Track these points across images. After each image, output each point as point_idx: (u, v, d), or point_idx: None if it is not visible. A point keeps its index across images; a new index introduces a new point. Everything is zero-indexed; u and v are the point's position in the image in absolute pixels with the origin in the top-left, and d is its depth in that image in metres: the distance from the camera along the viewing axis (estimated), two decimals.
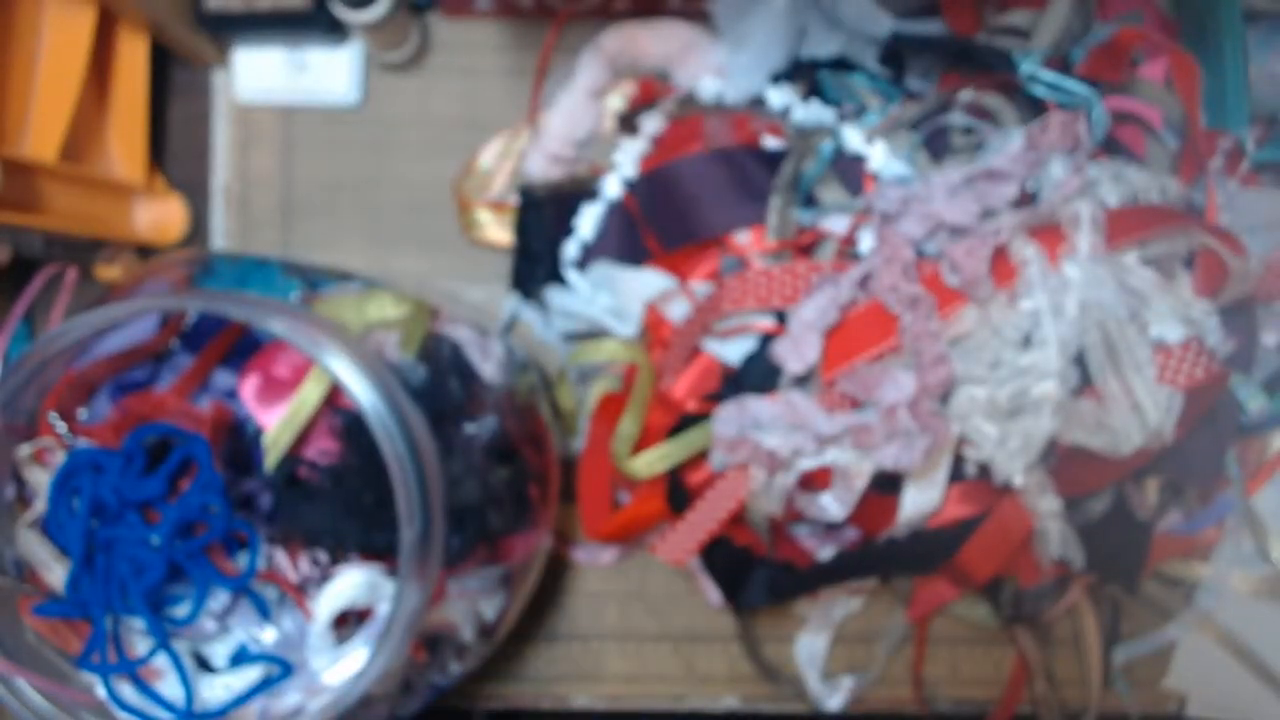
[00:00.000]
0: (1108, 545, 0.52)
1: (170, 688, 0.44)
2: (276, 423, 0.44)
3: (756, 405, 0.48)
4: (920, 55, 0.56)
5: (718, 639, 0.63)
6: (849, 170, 0.54)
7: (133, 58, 0.61)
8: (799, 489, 0.49)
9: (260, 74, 0.63)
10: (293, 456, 0.45)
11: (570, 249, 0.58)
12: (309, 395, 0.44)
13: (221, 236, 0.65)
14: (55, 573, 0.44)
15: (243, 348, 0.47)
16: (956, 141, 0.53)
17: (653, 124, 0.58)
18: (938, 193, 0.48)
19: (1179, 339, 0.46)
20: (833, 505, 0.49)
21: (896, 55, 0.56)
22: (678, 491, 0.53)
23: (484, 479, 0.47)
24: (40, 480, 0.45)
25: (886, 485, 0.49)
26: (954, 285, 0.47)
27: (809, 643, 0.62)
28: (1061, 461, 0.48)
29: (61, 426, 0.46)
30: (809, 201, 0.54)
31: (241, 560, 0.45)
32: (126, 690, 0.44)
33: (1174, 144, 0.54)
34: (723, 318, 0.51)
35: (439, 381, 0.47)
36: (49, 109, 0.57)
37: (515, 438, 0.51)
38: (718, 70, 0.57)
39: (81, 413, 0.47)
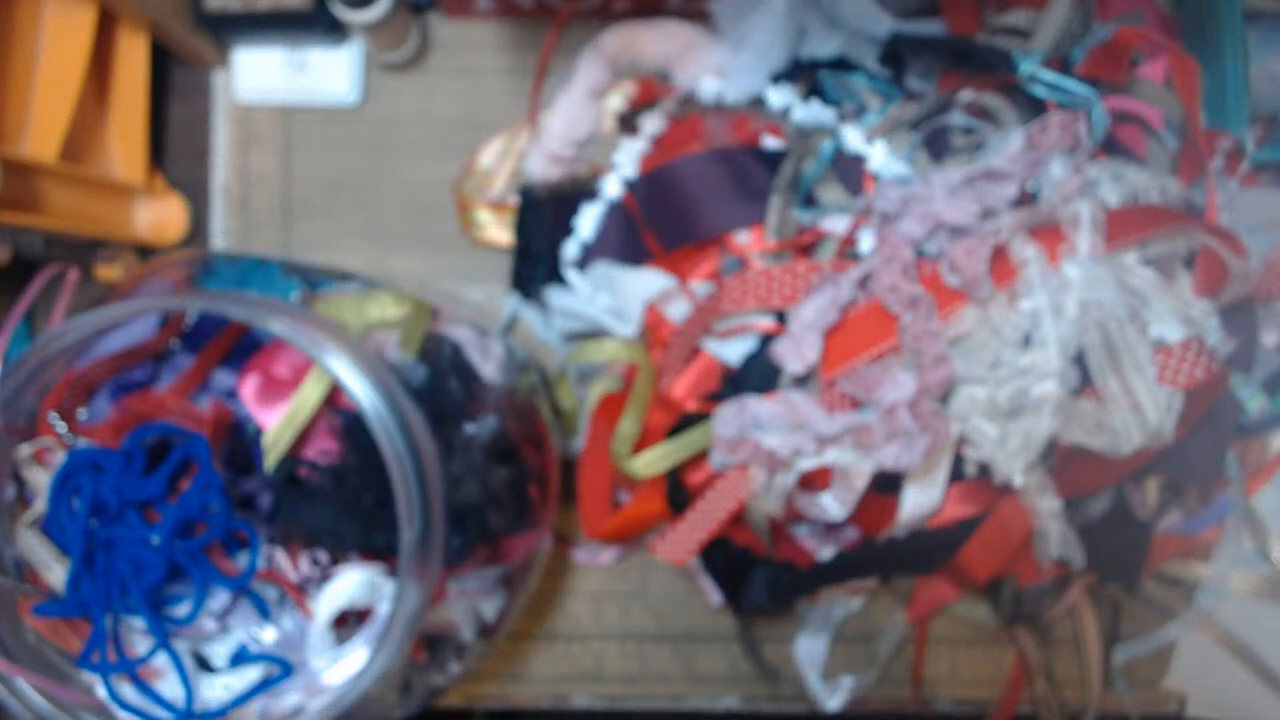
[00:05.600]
0: (1108, 545, 0.52)
1: (170, 688, 0.44)
2: (276, 423, 0.44)
3: (756, 405, 0.48)
4: (920, 55, 0.56)
5: (718, 639, 0.63)
6: (849, 170, 0.54)
7: (133, 58, 0.61)
8: (799, 489, 0.49)
9: (260, 74, 0.63)
10: (293, 456, 0.45)
11: (570, 249, 0.58)
12: (309, 395, 0.44)
13: (221, 236, 0.65)
14: (55, 572, 0.44)
15: (243, 348, 0.47)
16: (956, 141, 0.53)
17: (653, 124, 0.58)
18: (938, 193, 0.48)
19: (1179, 339, 0.46)
20: (833, 505, 0.49)
21: (896, 55, 0.56)
22: (678, 491, 0.53)
23: (484, 479, 0.47)
24: (40, 480, 0.45)
25: (886, 485, 0.49)
26: (954, 285, 0.47)
27: (809, 643, 0.62)
28: (1061, 461, 0.48)
29: (61, 426, 0.46)
30: (809, 201, 0.54)
31: (241, 560, 0.45)
32: (126, 690, 0.44)
33: (1174, 144, 0.54)
34: (723, 318, 0.51)
35: (439, 381, 0.47)
36: (49, 109, 0.57)
37: (515, 438, 0.51)
38: (718, 70, 0.57)
39: (81, 413, 0.47)
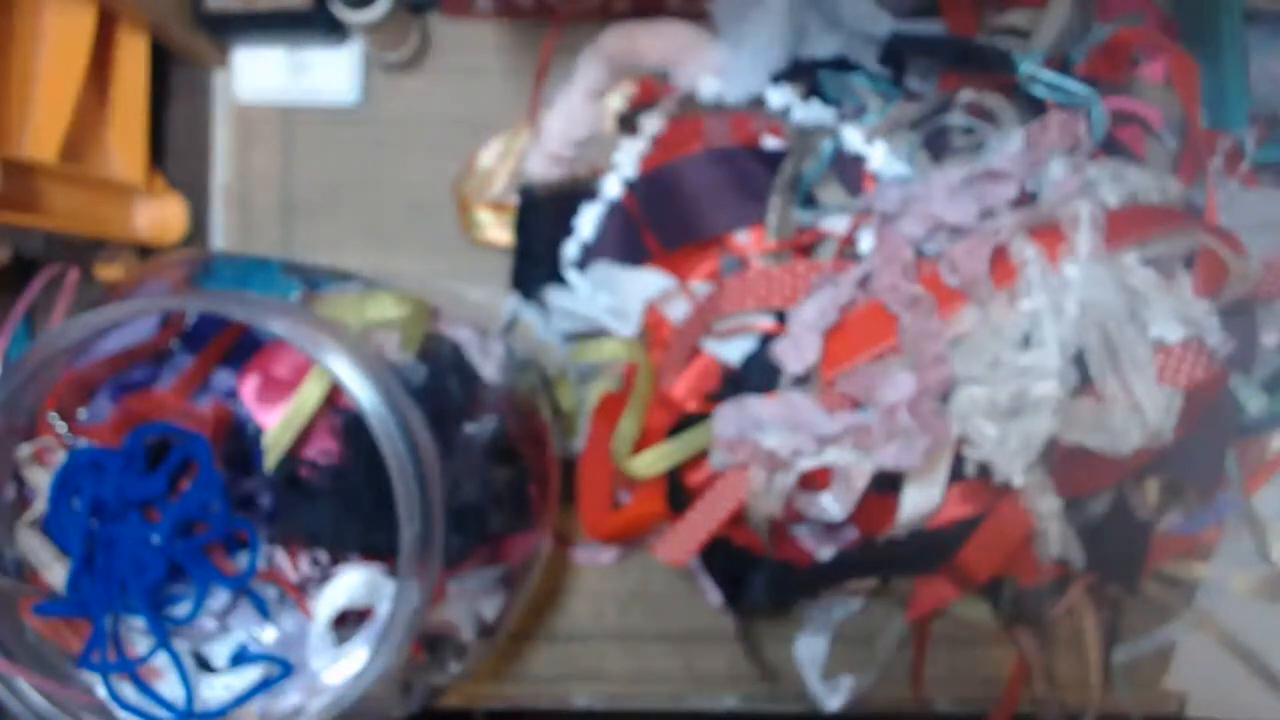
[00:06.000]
0: (1108, 545, 0.52)
1: (170, 687, 0.44)
2: (276, 423, 0.44)
3: (756, 405, 0.48)
4: (920, 55, 0.56)
5: (718, 639, 0.63)
6: (849, 170, 0.54)
7: (133, 58, 0.61)
8: (799, 489, 0.49)
9: (260, 74, 0.63)
10: (293, 456, 0.45)
11: (570, 249, 0.58)
12: (309, 395, 0.44)
13: (221, 236, 0.65)
14: (55, 572, 0.44)
15: (243, 348, 0.47)
16: (956, 141, 0.53)
17: (653, 124, 0.58)
18: (938, 193, 0.48)
19: (1179, 339, 0.46)
20: (833, 505, 0.49)
21: (896, 55, 0.56)
22: (678, 491, 0.53)
23: (484, 479, 0.47)
24: (40, 480, 0.45)
25: (886, 485, 0.49)
26: (954, 285, 0.47)
27: (809, 643, 0.62)
28: (1061, 461, 0.48)
29: (61, 426, 0.46)
30: (809, 201, 0.54)
31: (241, 560, 0.45)
32: (126, 690, 0.44)
33: (1174, 144, 0.54)
34: (723, 318, 0.51)
35: (439, 381, 0.47)
36: (49, 109, 0.57)
37: (515, 438, 0.51)
38: (717, 70, 0.57)
39: (81, 413, 0.47)
